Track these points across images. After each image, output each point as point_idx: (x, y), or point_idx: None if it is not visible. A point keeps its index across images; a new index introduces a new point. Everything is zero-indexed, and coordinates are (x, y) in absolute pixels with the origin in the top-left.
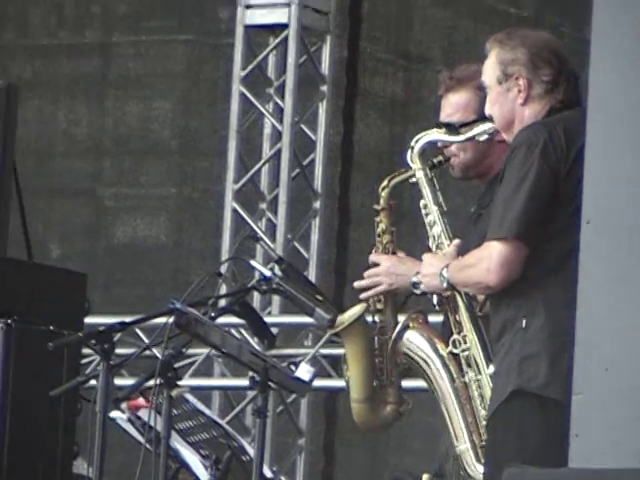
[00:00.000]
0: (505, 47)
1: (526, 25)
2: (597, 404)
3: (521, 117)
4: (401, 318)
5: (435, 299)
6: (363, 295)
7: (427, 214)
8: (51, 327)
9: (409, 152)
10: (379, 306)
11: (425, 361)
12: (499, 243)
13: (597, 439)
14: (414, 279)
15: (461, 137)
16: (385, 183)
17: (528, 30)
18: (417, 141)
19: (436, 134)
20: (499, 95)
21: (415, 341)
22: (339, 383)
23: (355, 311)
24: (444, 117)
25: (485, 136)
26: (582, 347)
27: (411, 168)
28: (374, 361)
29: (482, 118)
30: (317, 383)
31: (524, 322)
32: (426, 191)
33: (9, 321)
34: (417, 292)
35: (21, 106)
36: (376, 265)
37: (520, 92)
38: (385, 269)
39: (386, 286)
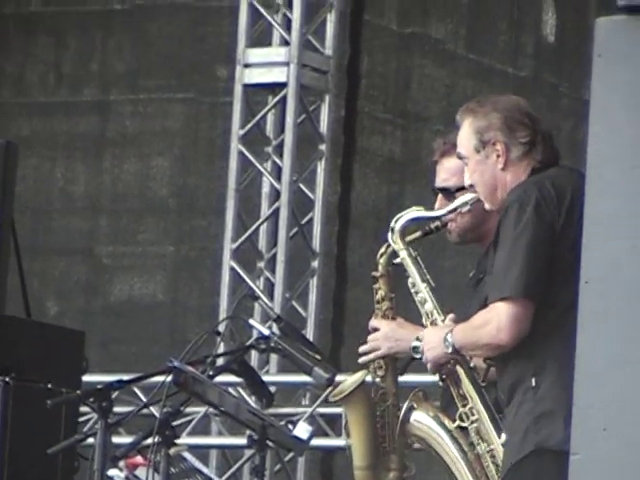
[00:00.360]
0: (478, 115)
1: (525, 85)
2: (595, 465)
3: (503, 183)
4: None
5: (438, 376)
6: (362, 359)
7: (417, 292)
8: (49, 385)
9: (390, 234)
10: (380, 373)
11: (434, 439)
12: (505, 303)
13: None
14: (414, 343)
15: (442, 211)
16: (383, 250)
17: (497, 95)
18: (397, 221)
19: (416, 212)
20: (478, 163)
21: (422, 420)
22: (336, 442)
23: (356, 378)
24: (439, 182)
25: (467, 207)
26: (580, 407)
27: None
28: (376, 428)
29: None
30: (314, 442)
31: (533, 381)
32: (412, 270)
33: (7, 379)
34: (417, 356)
35: (19, 164)
36: (376, 330)
37: (499, 157)
38: (384, 334)
39: (385, 350)
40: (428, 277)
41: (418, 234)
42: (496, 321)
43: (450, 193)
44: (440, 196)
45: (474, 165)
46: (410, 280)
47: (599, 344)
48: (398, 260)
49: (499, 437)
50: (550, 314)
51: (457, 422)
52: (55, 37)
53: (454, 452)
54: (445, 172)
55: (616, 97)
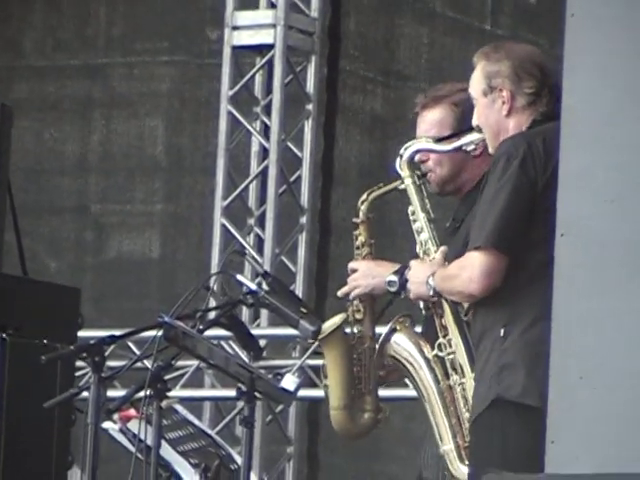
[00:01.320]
0: (490, 60)
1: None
2: (572, 412)
3: (506, 128)
4: (380, 328)
5: (422, 304)
6: (340, 292)
7: (415, 221)
8: (45, 341)
9: (398, 160)
10: (358, 316)
11: (411, 363)
12: (479, 253)
13: (572, 446)
14: (389, 278)
15: (449, 147)
16: (364, 197)
17: (515, 44)
18: (406, 149)
19: (425, 143)
20: (485, 107)
21: (402, 344)
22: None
23: (335, 321)
24: (420, 133)
25: (472, 146)
26: (557, 357)
27: (392, 181)
28: (353, 370)
29: (458, 133)
30: (304, 393)
31: (502, 331)
32: (414, 198)
33: (4, 335)
34: (392, 290)
35: (17, 126)
36: (355, 271)
37: (504, 104)
38: (362, 272)
39: (363, 287)
40: (429, 208)
41: (396, 183)
42: (469, 271)
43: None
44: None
45: (481, 108)
46: (410, 207)
47: (575, 296)
48: (403, 186)
49: (472, 372)
50: (524, 269)
51: (435, 351)
52: (50, 3)
53: (428, 379)
54: (425, 123)
55: (588, 55)
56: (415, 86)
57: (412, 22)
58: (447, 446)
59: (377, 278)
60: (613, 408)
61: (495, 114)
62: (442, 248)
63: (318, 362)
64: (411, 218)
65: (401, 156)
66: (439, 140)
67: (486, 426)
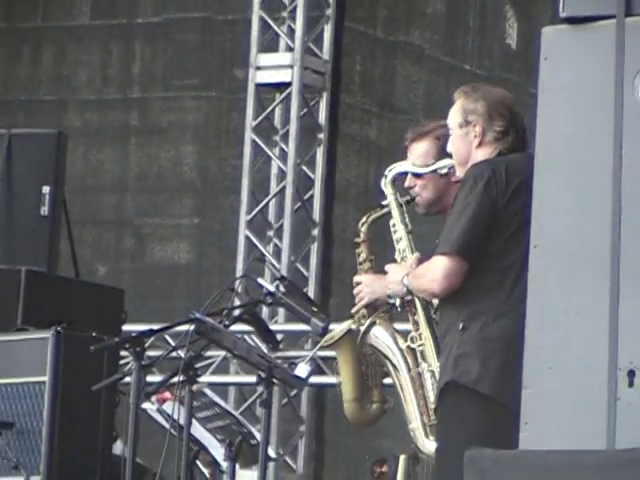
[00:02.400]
0: (469, 98)
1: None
2: (543, 397)
3: (474, 157)
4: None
5: (398, 302)
6: (353, 310)
7: (395, 231)
8: (94, 333)
9: (383, 179)
10: (363, 321)
11: (388, 352)
12: (444, 257)
13: (542, 426)
14: (389, 292)
15: (426, 169)
16: (364, 220)
17: (491, 87)
18: (390, 171)
19: (406, 166)
20: (458, 137)
21: (380, 335)
22: (333, 380)
23: (344, 327)
24: (400, 169)
25: (445, 170)
26: (530, 349)
27: (383, 206)
28: (361, 368)
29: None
30: (314, 380)
31: (461, 325)
32: (395, 213)
33: (59, 329)
34: (391, 302)
35: (72, 151)
36: (359, 284)
37: (476, 137)
38: (365, 285)
39: (367, 298)
40: (407, 221)
41: (429, 169)
42: (432, 273)
43: (419, 175)
44: (409, 175)
45: (456, 138)
46: (392, 221)
47: (546, 298)
48: (386, 202)
49: (438, 361)
50: (485, 275)
51: (408, 343)
52: (101, 45)
53: (402, 366)
54: (413, 155)
55: (559, 92)
56: (406, 117)
57: (405, 63)
58: (414, 424)
59: (378, 290)
60: (578, 394)
61: (467, 145)
62: (416, 254)
63: (327, 354)
64: (392, 229)
65: (385, 176)
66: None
67: (446, 407)
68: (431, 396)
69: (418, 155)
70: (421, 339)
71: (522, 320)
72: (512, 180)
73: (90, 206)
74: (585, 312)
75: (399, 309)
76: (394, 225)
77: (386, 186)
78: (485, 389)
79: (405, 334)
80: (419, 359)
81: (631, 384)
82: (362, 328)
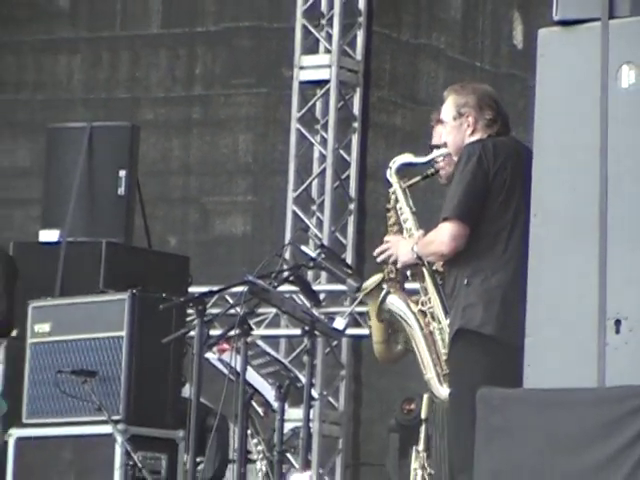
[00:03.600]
0: (460, 94)
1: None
2: (542, 343)
3: (469, 141)
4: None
5: (409, 272)
6: (379, 258)
7: (402, 213)
8: (163, 295)
9: (388, 170)
10: (391, 275)
11: (402, 316)
12: (448, 222)
13: (543, 367)
14: (414, 248)
15: (424, 159)
16: (393, 188)
17: (476, 83)
18: (394, 162)
19: (407, 158)
20: (453, 128)
21: (395, 302)
22: (366, 331)
23: (375, 279)
24: (435, 141)
25: (441, 158)
26: (531, 302)
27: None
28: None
29: (431, 147)
30: (352, 331)
31: (466, 280)
32: (400, 198)
33: (134, 291)
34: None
35: (145, 140)
36: (388, 242)
37: (469, 126)
38: (392, 243)
39: (389, 255)
40: (411, 203)
41: (418, 178)
42: (440, 237)
43: (432, 147)
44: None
45: (450, 130)
46: (398, 205)
47: (544, 257)
48: (392, 190)
49: (446, 320)
50: (482, 237)
51: (419, 306)
52: (170, 50)
53: (415, 326)
54: (438, 135)
55: (554, 83)
56: (426, 108)
57: (425, 61)
58: (429, 374)
59: (403, 247)
60: (572, 340)
61: (461, 134)
62: (421, 231)
63: (363, 309)
64: (399, 212)
65: (390, 168)
66: (434, 147)
67: (457, 351)
68: (442, 350)
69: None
70: (430, 302)
71: (514, 273)
72: (499, 155)
73: (161, 187)
74: (578, 270)
75: (409, 278)
76: (400, 208)
77: (391, 176)
78: (488, 331)
79: (416, 299)
80: (429, 320)
81: (617, 331)
82: (379, 298)
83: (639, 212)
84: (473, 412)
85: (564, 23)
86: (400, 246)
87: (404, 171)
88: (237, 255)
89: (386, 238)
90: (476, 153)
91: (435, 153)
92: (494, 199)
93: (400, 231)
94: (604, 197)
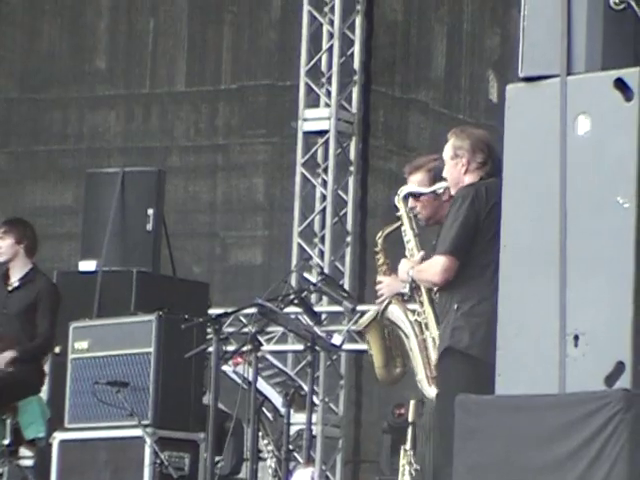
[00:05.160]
0: (458, 137)
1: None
2: (511, 355)
3: (463, 180)
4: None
5: (407, 288)
6: (377, 301)
7: (405, 235)
8: (186, 316)
9: (396, 197)
10: (385, 308)
11: (400, 324)
12: (442, 257)
13: (511, 377)
14: (410, 272)
15: (428, 189)
16: (379, 234)
17: (474, 128)
18: (401, 191)
19: (412, 187)
20: (451, 166)
21: (395, 312)
22: (363, 346)
23: (371, 314)
24: (409, 189)
25: (441, 190)
26: (502, 320)
27: (394, 222)
28: (386, 343)
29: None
30: (351, 347)
31: (456, 306)
32: (405, 221)
33: (160, 313)
34: (404, 290)
35: (175, 184)
36: (380, 283)
37: (463, 166)
38: (386, 285)
39: (387, 295)
40: (414, 226)
41: (430, 189)
42: (433, 268)
43: (415, 195)
44: (410, 198)
45: (449, 167)
46: (403, 227)
47: (513, 283)
48: (399, 214)
49: (437, 330)
50: (472, 268)
51: (415, 317)
52: (194, 105)
53: (411, 333)
54: (411, 184)
55: (520, 131)
56: (417, 154)
57: (415, 114)
58: (420, 376)
59: (395, 288)
60: (537, 353)
61: (457, 172)
62: (421, 252)
63: (357, 328)
64: (403, 234)
65: (398, 195)
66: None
67: (445, 366)
68: (432, 356)
69: (415, 184)
70: (425, 314)
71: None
72: (490, 199)
73: (189, 224)
74: (541, 293)
75: (408, 292)
76: (404, 231)
77: (399, 202)
78: (474, 353)
79: (413, 311)
80: (423, 329)
81: (576, 345)
82: (382, 306)
83: (594, 244)
84: (454, 411)
85: (528, 79)
86: (400, 265)
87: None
88: (254, 282)
89: (378, 279)
90: (469, 196)
91: (436, 185)
92: (483, 237)
93: (388, 269)
94: (563, 230)
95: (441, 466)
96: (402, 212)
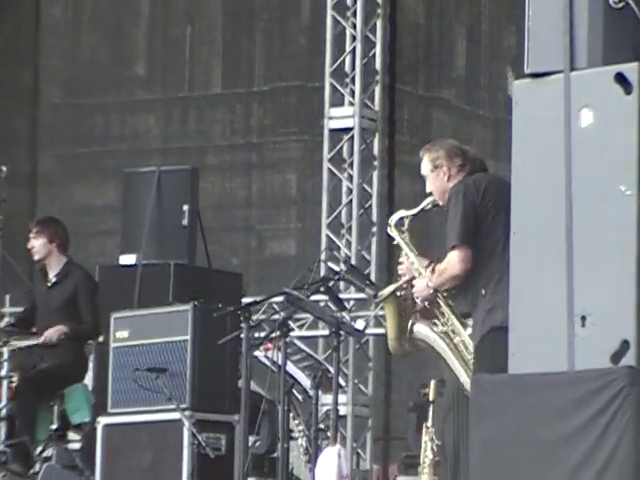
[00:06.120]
0: (432, 151)
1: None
2: (522, 336)
3: (448, 188)
4: None
5: (426, 304)
6: (400, 282)
7: (409, 258)
8: (220, 305)
9: (388, 228)
10: (404, 285)
11: (429, 340)
12: (455, 249)
13: (524, 356)
14: (418, 300)
15: (415, 210)
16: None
17: (443, 140)
18: (392, 219)
19: (401, 213)
20: (433, 179)
21: (421, 330)
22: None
23: (390, 289)
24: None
25: (429, 206)
26: (514, 304)
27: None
28: (400, 318)
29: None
30: (376, 330)
31: (483, 291)
32: (404, 247)
33: (196, 303)
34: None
35: (212, 181)
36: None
37: (445, 174)
38: (406, 267)
39: (408, 276)
40: (414, 249)
41: (418, 209)
42: (451, 262)
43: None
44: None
45: (431, 180)
46: (403, 252)
47: (523, 269)
48: (395, 242)
49: (465, 332)
50: (483, 252)
51: (440, 327)
52: (229, 107)
53: (442, 344)
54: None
55: (527, 124)
56: None
57: (438, 111)
58: (463, 378)
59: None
60: (547, 333)
61: (440, 182)
62: (428, 270)
63: (382, 313)
64: (405, 259)
65: (390, 225)
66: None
67: (491, 345)
68: (468, 357)
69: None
70: (449, 322)
71: None
72: (480, 187)
73: (226, 218)
74: (550, 277)
75: (427, 307)
76: (406, 254)
77: (392, 231)
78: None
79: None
80: (451, 335)
81: (583, 325)
82: (407, 331)
83: (599, 230)
84: None
85: (534, 75)
86: (416, 286)
87: (401, 223)
88: (288, 272)
89: (400, 260)
90: (461, 190)
91: (423, 203)
92: (484, 220)
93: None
94: (569, 217)
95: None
96: (398, 240)
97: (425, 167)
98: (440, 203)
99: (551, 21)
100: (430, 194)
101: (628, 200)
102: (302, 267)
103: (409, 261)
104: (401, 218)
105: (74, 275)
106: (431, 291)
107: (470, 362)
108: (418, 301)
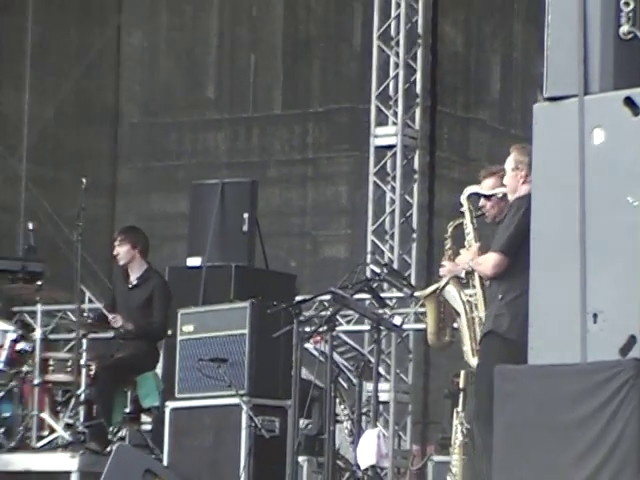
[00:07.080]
0: (520, 153)
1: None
2: (540, 331)
3: (520, 189)
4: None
5: (463, 274)
6: (441, 272)
7: (466, 227)
8: (274, 302)
9: (462, 195)
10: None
11: (453, 302)
12: (495, 254)
13: (542, 349)
14: (470, 263)
15: (489, 192)
16: (450, 224)
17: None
18: (467, 190)
19: (475, 188)
20: (512, 177)
21: (451, 291)
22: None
23: (431, 288)
24: (483, 190)
25: (501, 194)
26: (533, 300)
27: (459, 217)
28: (440, 314)
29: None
30: (414, 326)
31: (500, 296)
32: (467, 215)
33: (253, 301)
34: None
35: (272, 192)
36: (443, 267)
37: (521, 177)
38: (447, 269)
39: (448, 274)
40: (475, 221)
41: (491, 192)
42: (487, 262)
43: (486, 197)
44: (482, 198)
45: (509, 177)
46: (464, 221)
47: (542, 271)
48: (463, 209)
49: (485, 310)
50: (517, 265)
51: (467, 297)
52: (288, 126)
53: (462, 310)
54: (484, 186)
55: (545, 144)
56: (476, 164)
57: (475, 130)
58: (466, 347)
59: (454, 271)
60: (562, 329)
61: (515, 181)
62: (477, 244)
63: (422, 310)
64: (464, 226)
65: (464, 193)
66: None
67: (486, 346)
68: (478, 332)
69: (488, 187)
70: (476, 296)
71: None
72: None
73: (285, 225)
74: (565, 278)
75: (464, 277)
76: (466, 224)
77: (463, 199)
78: (511, 336)
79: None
80: (473, 308)
81: (595, 322)
82: (442, 283)
83: (609, 236)
84: (492, 385)
85: (552, 99)
86: (462, 254)
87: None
88: (339, 273)
89: (442, 263)
90: (523, 206)
91: (496, 190)
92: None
93: (452, 254)
94: (583, 225)
95: (479, 426)
96: (465, 208)
97: (509, 163)
98: (509, 196)
99: (567, 51)
100: (504, 186)
101: (635, 210)
102: (351, 269)
103: (466, 231)
104: (475, 193)
105: (153, 280)
106: (469, 269)
107: (477, 337)
108: (458, 268)
